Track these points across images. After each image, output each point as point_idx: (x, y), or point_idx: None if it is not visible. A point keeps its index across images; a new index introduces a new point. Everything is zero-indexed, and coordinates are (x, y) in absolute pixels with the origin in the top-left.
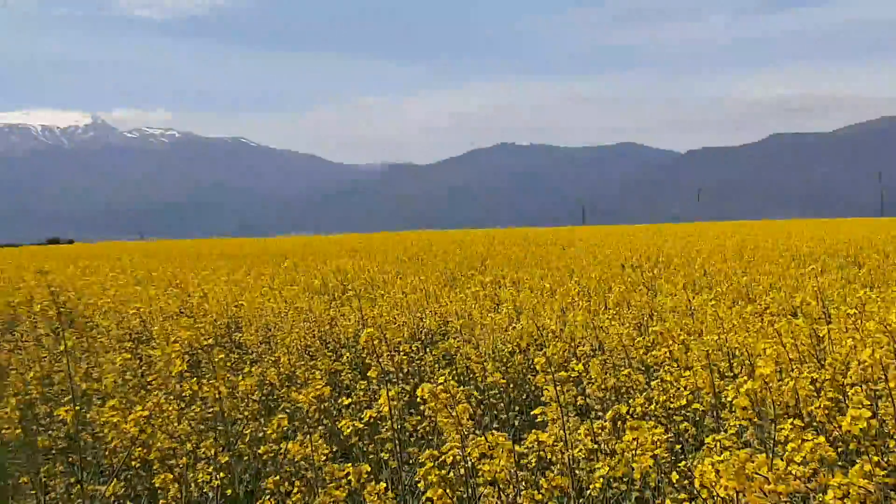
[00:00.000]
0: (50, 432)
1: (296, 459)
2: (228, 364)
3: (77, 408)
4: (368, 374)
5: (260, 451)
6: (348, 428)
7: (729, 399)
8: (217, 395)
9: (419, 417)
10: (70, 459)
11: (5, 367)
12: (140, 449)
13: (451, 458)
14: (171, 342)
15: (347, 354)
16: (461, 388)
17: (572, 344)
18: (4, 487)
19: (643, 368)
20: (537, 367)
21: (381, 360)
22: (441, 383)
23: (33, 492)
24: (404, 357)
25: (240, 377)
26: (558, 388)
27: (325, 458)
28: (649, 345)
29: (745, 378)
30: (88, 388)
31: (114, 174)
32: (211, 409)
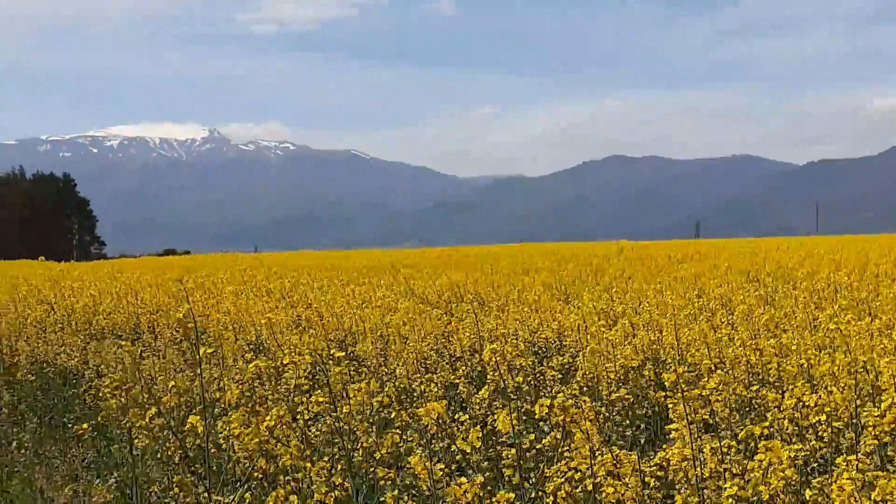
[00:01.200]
0: (181, 442)
1: (416, 473)
2: (346, 377)
3: (206, 418)
4: (484, 389)
5: (378, 466)
6: (466, 444)
7: (865, 417)
8: (336, 408)
9: (536, 433)
10: (197, 469)
11: (143, 377)
12: (263, 461)
13: (579, 474)
14: (291, 353)
15: (463, 367)
16: (586, 402)
17: (696, 358)
18: (139, 497)
19: (770, 384)
20: (666, 384)
21: (499, 374)
22: (569, 396)
23: (166, 501)
24: (524, 371)
25: (357, 388)
26: (687, 406)
27: (441, 473)
28: (775, 360)
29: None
30: (216, 398)
31: (229, 186)
32: (330, 423)
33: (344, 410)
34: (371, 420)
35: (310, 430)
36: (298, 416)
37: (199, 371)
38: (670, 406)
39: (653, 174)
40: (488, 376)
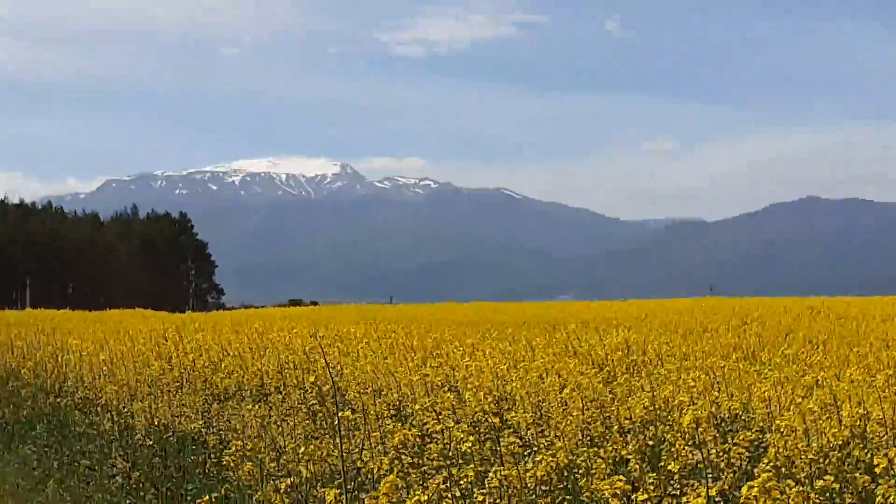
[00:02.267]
0: None
1: None
2: (507, 449)
3: (346, 492)
4: (674, 464)
5: None
6: None
7: None
8: (505, 482)
9: None
10: None
11: (272, 443)
12: None
13: None
14: (439, 420)
15: (634, 442)
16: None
17: None
18: None
19: None
20: (876, 470)
21: (693, 446)
22: (769, 478)
23: None
24: (707, 447)
25: (527, 463)
26: None
27: None
28: None
29: None
30: (360, 467)
31: (362, 228)
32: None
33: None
34: (530, 499)
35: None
36: (450, 493)
37: (338, 438)
38: (879, 495)
39: (855, 219)
40: (658, 450)
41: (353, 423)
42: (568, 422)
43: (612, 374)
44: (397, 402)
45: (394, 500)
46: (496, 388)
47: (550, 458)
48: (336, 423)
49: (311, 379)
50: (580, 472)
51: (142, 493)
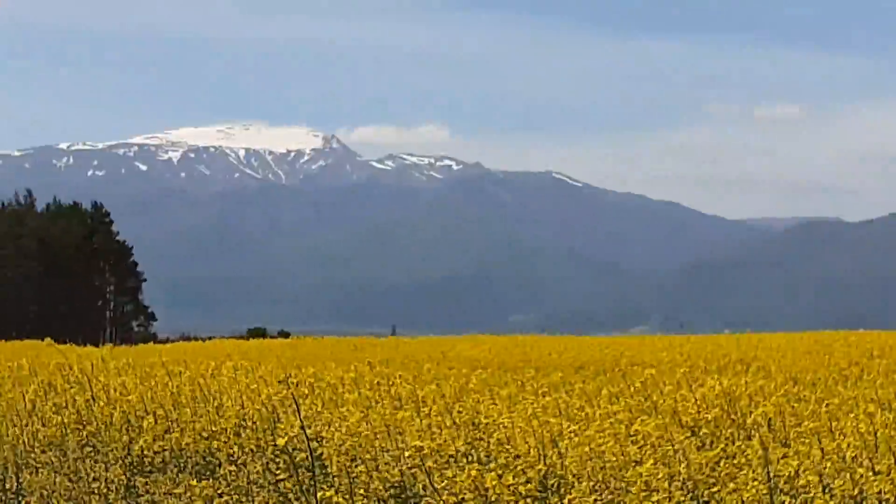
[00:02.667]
0: None
1: None
2: None
3: None
4: None
5: None
6: None
7: None
8: None
9: None
10: None
11: None
12: None
13: None
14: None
15: None
16: None
17: None
18: None
19: None
20: None
21: None
22: None
23: None
24: None
25: None
26: None
27: None
28: None
29: None
30: None
31: (353, 227)
32: None
33: None
34: None
35: None
36: None
37: None
38: None
39: None
40: None
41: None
42: None
43: (711, 440)
44: (400, 480)
45: None
46: (540, 462)
47: None
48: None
49: (282, 442)
50: None
51: None
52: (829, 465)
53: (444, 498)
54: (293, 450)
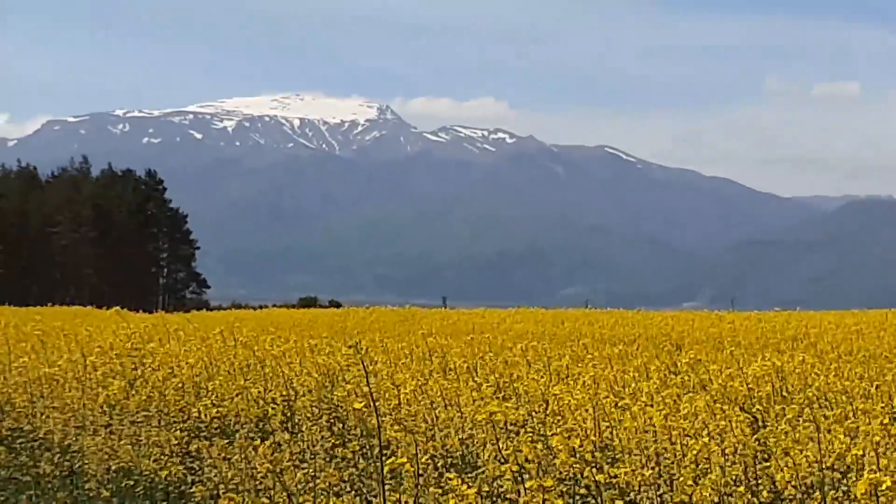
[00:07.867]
0: None
1: None
2: None
3: None
4: None
5: None
6: None
7: None
8: None
9: None
10: None
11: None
12: None
13: None
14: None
15: None
16: None
17: None
18: None
19: None
20: None
21: None
22: None
23: None
24: None
25: None
26: None
27: None
28: None
29: None
30: None
31: (406, 199)
32: None
33: None
34: None
35: None
36: None
37: (382, 496)
38: None
39: None
40: None
41: (397, 474)
42: (702, 485)
43: (761, 418)
44: (461, 449)
45: None
46: (595, 433)
47: None
48: (378, 470)
49: (359, 406)
50: None
51: None
52: (880, 442)
53: (508, 466)
54: (344, 416)
